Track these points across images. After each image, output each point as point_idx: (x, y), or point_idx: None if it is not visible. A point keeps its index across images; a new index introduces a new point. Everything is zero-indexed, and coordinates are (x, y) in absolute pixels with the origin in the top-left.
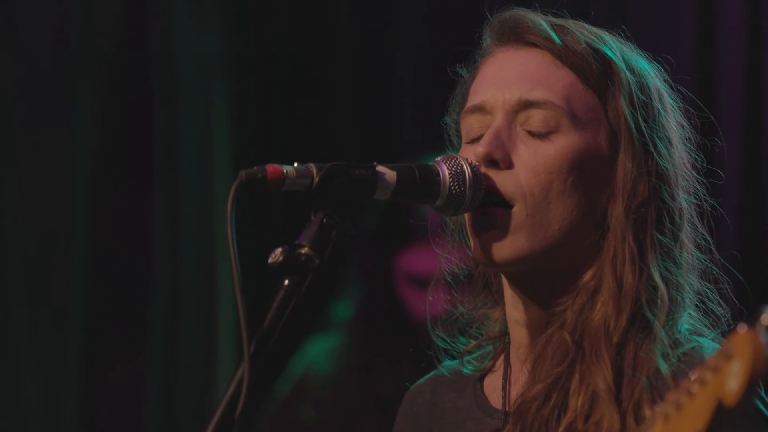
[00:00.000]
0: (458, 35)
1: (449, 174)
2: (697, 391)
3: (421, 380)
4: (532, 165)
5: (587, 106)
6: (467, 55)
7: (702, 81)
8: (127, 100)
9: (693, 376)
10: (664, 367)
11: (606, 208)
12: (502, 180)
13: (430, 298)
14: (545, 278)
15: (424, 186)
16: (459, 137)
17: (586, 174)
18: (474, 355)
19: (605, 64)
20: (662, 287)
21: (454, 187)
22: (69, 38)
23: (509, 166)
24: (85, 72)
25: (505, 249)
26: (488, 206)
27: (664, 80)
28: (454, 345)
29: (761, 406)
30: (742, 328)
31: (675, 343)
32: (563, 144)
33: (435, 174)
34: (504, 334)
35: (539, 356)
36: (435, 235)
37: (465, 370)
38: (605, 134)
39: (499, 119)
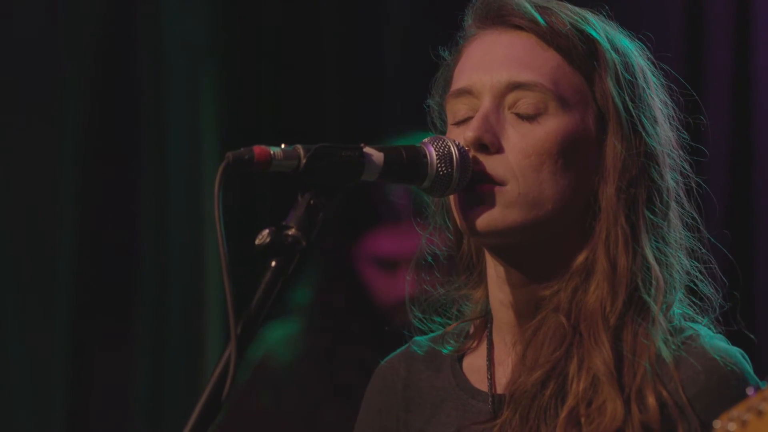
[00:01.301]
0: (445, 13)
1: (436, 155)
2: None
3: (392, 355)
4: (522, 147)
5: (574, 87)
6: (452, 36)
7: (686, 59)
8: (114, 82)
9: (755, 392)
10: (666, 353)
11: (596, 190)
12: (492, 163)
13: (408, 278)
14: (534, 257)
15: (412, 167)
16: (442, 120)
17: (575, 155)
18: (463, 343)
19: (590, 44)
20: (655, 267)
21: (441, 168)
22: (55, 21)
23: (499, 149)
24: (71, 55)
25: (497, 220)
26: (478, 184)
27: (648, 58)
28: (429, 325)
29: None
30: None
31: (674, 329)
32: (552, 126)
33: (422, 155)
34: (485, 314)
35: (531, 340)
36: (400, 217)
37: (444, 350)
38: (593, 115)
39: (486, 102)
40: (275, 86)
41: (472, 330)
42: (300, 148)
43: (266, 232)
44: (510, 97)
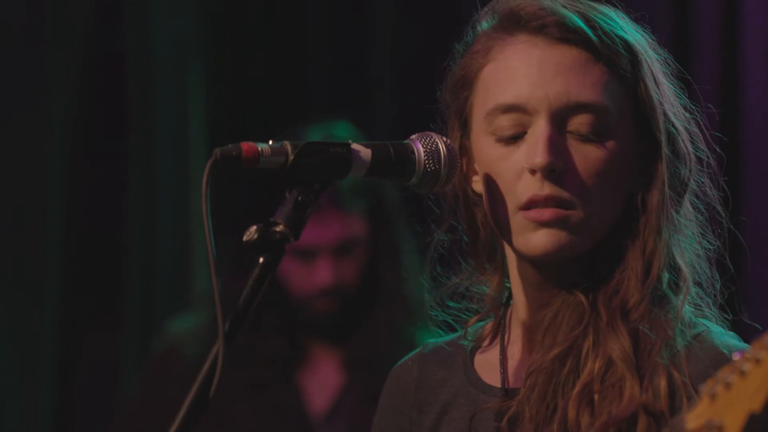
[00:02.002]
0: (433, 13)
1: (424, 152)
2: (751, 369)
3: (406, 357)
4: (585, 169)
5: (621, 99)
6: (443, 24)
7: (677, 41)
8: (101, 75)
9: (741, 356)
10: (680, 344)
11: (640, 196)
12: (559, 188)
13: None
14: (570, 265)
15: (399, 164)
16: (456, 118)
17: (626, 168)
18: (456, 336)
19: (631, 52)
20: (684, 269)
21: (429, 164)
22: (42, 14)
23: (563, 172)
24: (58, 47)
25: (566, 246)
26: (544, 207)
27: (655, 47)
28: (446, 314)
29: None
30: None
31: (690, 324)
32: (610, 145)
33: (410, 152)
34: (500, 308)
35: (550, 324)
36: (319, 205)
37: (438, 342)
38: (634, 121)
39: (546, 124)
40: (263, 82)
41: (488, 326)
42: (288, 145)
43: (254, 228)
44: (569, 117)
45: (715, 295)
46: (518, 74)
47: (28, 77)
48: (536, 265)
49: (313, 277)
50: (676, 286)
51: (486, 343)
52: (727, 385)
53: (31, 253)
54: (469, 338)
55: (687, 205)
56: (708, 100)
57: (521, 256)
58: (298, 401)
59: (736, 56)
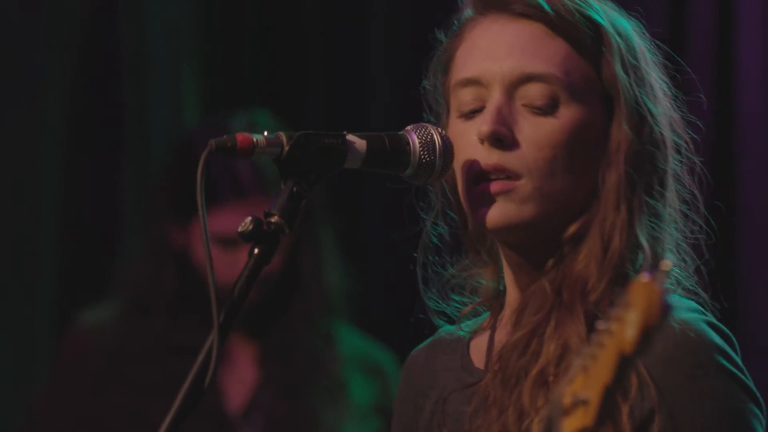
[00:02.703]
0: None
1: (419, 143)
2: (607, 342)
3: (420, 345)
4: (536, 140)
5: (583, 75)
6: (438, 14)
7: (674, 33)
8: (96, 70)
9: (602, 327)
10: None
11: (601, 174)
12: (507, 158)
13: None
14: (540, 242)
15: (394, 155)
16: (440, 100)
17: (586, 145)
18: (472, 321)
19: (596, 30)
20: (646, 248)
21: (424, 156)
22: (36, 9)
23: (513, 143)
24: (53, 43)
25: (513, 217)
26: (491, 180)
27: (643, 35)
28: (444, 305)
29: (726, 363)
30: (642, 277)
31: None
32: (565, 117)
33: (405, 143)
34: (497, 295)
35: (523, 307)
36: (245, 193)
37: (461, 333)
38: (599, 101)
39: (498, 95)
40: (258, 76)
41: (489, 310)
42: (283, 136)
43: (249, 219)
44: (522, 89)
45: (700, 282)
46: (479, 50)
47: (23, 73)
48: (512, 246)
49: (237, 266)
50: (641, 266)
51: (486, 325)
52: (594, 359)
53: (27, 250)
54: (466, 327)
55: (667, 191)
56: (702, 91)
57: (497, 239)
58: (215, 397)
59: (730, 51)
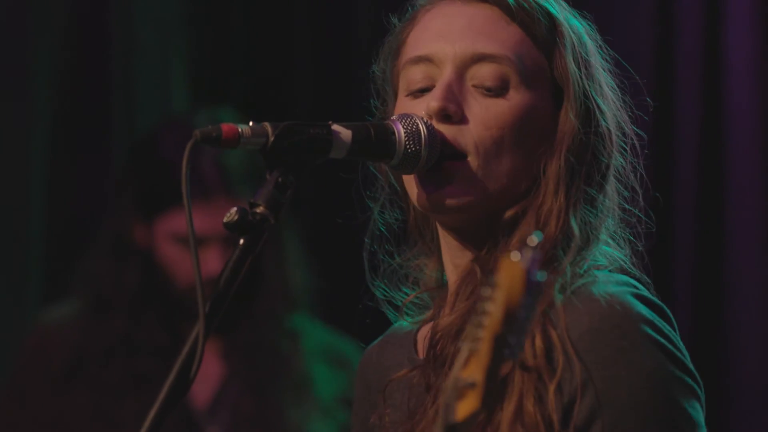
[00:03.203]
0: None
1: (405, 133)
2: (486, 322)
3: (374, 342)
4: (484, 119)
5: (535, 63)
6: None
7: (657, 43)
8: (84, 63)
9: (479, 308)
10: (558, 298)
11: (543, 161)
12: (454, 133)
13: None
14: (484, 228)
15: (380, 145)
16: (387, 88)
17: (533, 130)
18: (422, 315)
19: (551, 22)
20: (577, 234)
21: (410, 146)
22: (25, 1)
23: (461, 120)
24: (42, 36)
25: (460, 198)
26: (442, 161)
27: (593, 38)
28: (393, 296)
29: (653, 333)
30: (510, 255)
31: (574, 277)
32: (514, 100)
33: (390, 133)
34: (441, 284)
35: (457, 292)
36: (209, 192)
37: (404, 323)
38: (549, 91)
39: (449, 72)
40: (247, 64)
41: (431, 301)
42: (268, 126)
43: (234, 210)
44: (473, 69)
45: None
46: (432, 31)
47: (10, 68)
48: (453, 230)
49: (201, 265)
50: (570, 250)
51: (429, 318)
52: (478, 340)
53: (13, 248)
54: (410, 319)
55: (607, 183)
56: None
57: (438, 221)
58: None
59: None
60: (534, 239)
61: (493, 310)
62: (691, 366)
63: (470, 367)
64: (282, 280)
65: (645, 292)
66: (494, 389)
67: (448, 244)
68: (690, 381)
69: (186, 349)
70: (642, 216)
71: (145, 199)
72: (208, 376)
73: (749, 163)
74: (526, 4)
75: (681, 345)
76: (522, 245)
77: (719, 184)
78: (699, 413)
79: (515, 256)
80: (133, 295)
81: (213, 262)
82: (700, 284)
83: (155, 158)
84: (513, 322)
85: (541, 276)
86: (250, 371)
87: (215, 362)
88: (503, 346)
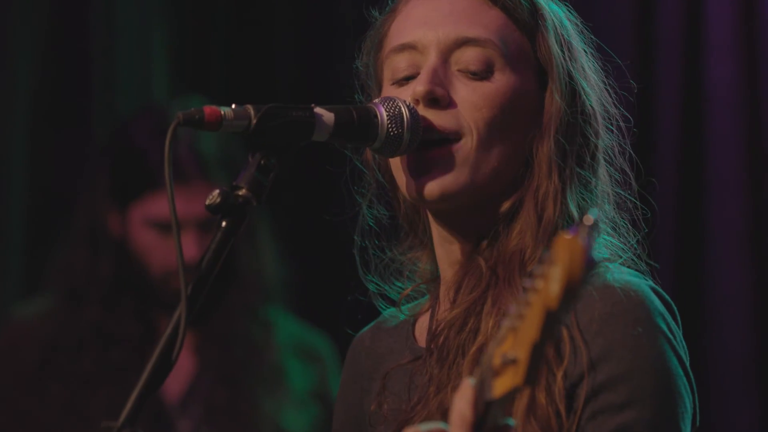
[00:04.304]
0: None
1: (387, 116)
2: (533, 299)
3: (365, 328)
4: (473, 101)
5: (519, 45)
6: None
7: (637, 26)
8: (65, 45)
9: (527, 285)
10: None
11: (533, 145)
12: (443, 118)
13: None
14: (476, 215)
15: (362, 128)
16: (372, 80)
17: (520, 113)
18: (414, 303)
19: (532, 5)
20: (577, 217)
21: (392, 129)
22: None
23: (449, 104)
24: (22, 19)
25: (450, 184)
26: (429, 147)
27: (568, 18)
28: (387, 289)
29: (664, 326)
30: (565, 233)
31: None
32: (500, 83)
33: (373, 116)
34: (436, 276)
35: (459, 285)
36: (186, 178)
37: (402, 316)
38: (534, 74)
39: (433, 58)
40: (227, 53)
41: (427, 292)
42: (251, 108)
43: (217, 192)
44: (457, 53)
45: (633, 244)
46: (414, 19)
47: None
48: (445, 218)
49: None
50: None
51: (428, 306)
52: (522, 318)
53: None
54: (407, 310)
55: (598, 165)
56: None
57: (428, 209)
58: None
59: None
60: (590, 218)
61: (547, 286)
62: (689, 370)
63: (508, 344)
64: (256, 272)
65: (658, 288)
66: (539, 366)
67: (440, 235)
68: (686, 381)
69: (168, 331)
70: (637, 201)
71: (119, 187)
72: (180, 371)
73: (730, 145)
74: None
75: (684, 345)
76: (577, 224)
77: (701, 165)
78: (689, 414)
79: (569, 233)
80: (107, 285)
81: (189, 247)
82: (681, 262)
83: (128, 145)
84: (572, 299)
85: (597, 255)
86: (224, 363)
87: (187, 356)
88: (556, 322)
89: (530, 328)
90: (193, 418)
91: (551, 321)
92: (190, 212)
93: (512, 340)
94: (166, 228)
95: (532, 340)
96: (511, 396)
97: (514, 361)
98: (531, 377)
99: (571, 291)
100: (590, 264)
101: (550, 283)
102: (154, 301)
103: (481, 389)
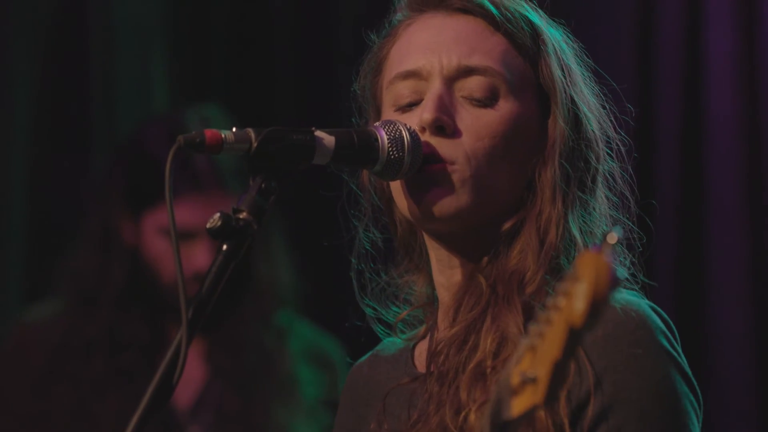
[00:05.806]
0: None
1: (388, 139)
2: (555, 317)
3: (363, 357)
4: (475, 130)
5: (521, 71)
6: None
7: (643, 33)
8: (64, 61)
9: (550, 303)
10: None
11: (536, 170)
12: (446, 146)
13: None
14: (472, 237)
15: (363, 151)
16: (369, 104)
17: (523, 139)
18: (412, 333)
19: (533, 30)
20: (579, 241)
21: (393, 152)
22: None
23: (454, 132)
24: (21, 34)
25: (450, 204)
26: (429, 165)
27: (570, 43)
28: (383, 314)
29: (666, 345)
30: (589, 250)
31: None
32: (504, 110)
33: (373, 139)
34: (432, 300)
35: (458, 304)
36: (202, 186)
37: (398, 341)
38: (536, 99)
39: (438, 85)
40: (226, 64)
41: (424, 317)
42: (251, 132)
43: (217, 215)
44: (461, 82)
45: (633, 274)
46: (417, 44)
47: None
48: (444, 240)
49: (191, 260)
50: (572, 257)
51: (423, 335)
52: (542, 336)
53: None
54: (404, 336)
55: (598, 188)
56: (672, 100)
57: (427, 232)
58: None
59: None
60: (614, 236)
61: (571, 304)
62: (695, 382)
63: (526, 363)
64: (270, 279)
65: (655, 306)
66: (560, 385)
67: (438, 258)
68: (692, 397)
69: (169, 355)
70: (633, 226)
71: (133, 194)
72: (191, 379)
73: (730, 164)
74: (509, 14)
75: (684, 359)
76: (602, 243)
77: (700, 184)
78: (697, 429)
79: (593, 250)
80: (118, 291)
81: (202, 256)
82: (681, 285)
83: (142, 153)
84: (596, 317)
85: (621, 273)
86: (235, 371)
87: (198, 364)
88: (578, 341)
89: (551, 346)
90: (203, 424)
91: (574, 339)
92: (205, 221)
93: (531, 359)
94: (181, 237)
95: (554, 358)
96: (529, 415)
97: (533, 380)
98: (551, 396)
99: (597, 308)
100: (615, 282)
101: (575, 300)
102: (164, 308)
103: (497, 408)
